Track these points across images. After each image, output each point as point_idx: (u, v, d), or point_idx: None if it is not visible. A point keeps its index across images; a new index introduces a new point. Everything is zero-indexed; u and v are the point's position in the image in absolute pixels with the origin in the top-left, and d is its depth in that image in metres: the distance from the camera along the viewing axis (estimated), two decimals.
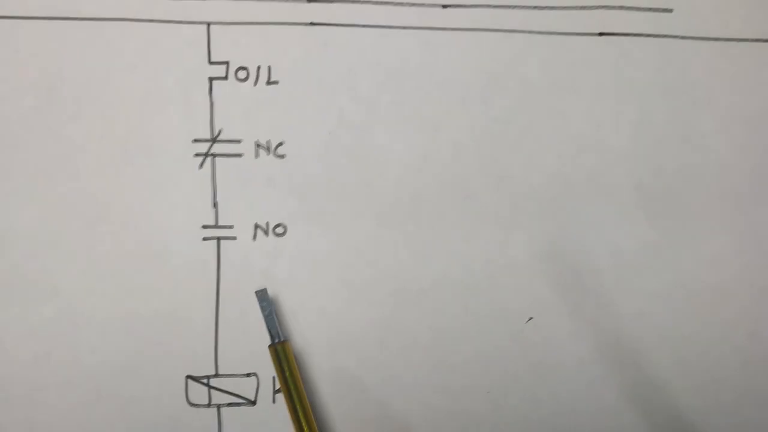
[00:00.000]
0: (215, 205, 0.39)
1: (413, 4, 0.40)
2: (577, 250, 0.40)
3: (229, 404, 0.39)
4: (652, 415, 0.40)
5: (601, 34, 0.41)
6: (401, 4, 0.40)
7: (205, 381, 0.39)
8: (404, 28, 0.40)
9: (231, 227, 0.39)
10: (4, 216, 0.38)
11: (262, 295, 0.38)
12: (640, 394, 0.40)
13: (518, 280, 0.40)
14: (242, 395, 0.39)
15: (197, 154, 0.39)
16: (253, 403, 0.39)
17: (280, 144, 0.39)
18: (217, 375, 0.39)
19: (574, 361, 0.40)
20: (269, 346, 0.38)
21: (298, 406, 0.37)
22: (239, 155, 0.39)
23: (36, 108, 0.38)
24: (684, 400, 0.40)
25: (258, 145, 0.39)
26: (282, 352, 0.38)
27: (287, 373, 0.38)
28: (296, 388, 0.38)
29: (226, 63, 0.39)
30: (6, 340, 0.38)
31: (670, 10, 0.41)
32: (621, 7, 0.41)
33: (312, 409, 0.38)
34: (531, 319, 0.40)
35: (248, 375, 0.39)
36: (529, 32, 0.40)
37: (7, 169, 0.38)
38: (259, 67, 0.40)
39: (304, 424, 0.37)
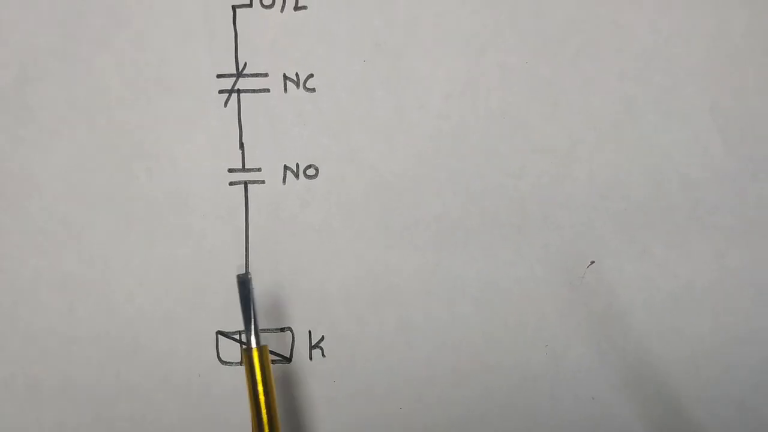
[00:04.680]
0: (242, 146, 0.36)
1: None
2: (644, 182, 0.36)
3: None
4: (731, 365, 0.36)
5: None
6: None
7: (236, 337, 0.36)
8: None
9: (259, 170, 0.36)
10: (29, 163, 0.36)
11: (243, 280, 0.31)
12: (718, 341, 0.36)
13: (578, 217, 0.36)
14: (276, 352, 0.36)
15: (221, 91, 0.36)
16: (289, 360, 0.36)
17: (310, 76, 0.36)
18: None
19: (642, 309, 0.36)
20: (244, 351, 0.31)
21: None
22: (266, 90, 0.36)
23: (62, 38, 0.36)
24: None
25: (286, 79, 0.36)
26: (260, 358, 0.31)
27: (261, 387, 0.30)
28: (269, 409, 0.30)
29: None
30: (37, 292, 0.36)
31: None
32: None
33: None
34: (593, 263, 0.36)
35: (282, 330, 0.36)
36: None
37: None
38: None
39: None
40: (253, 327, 0.30)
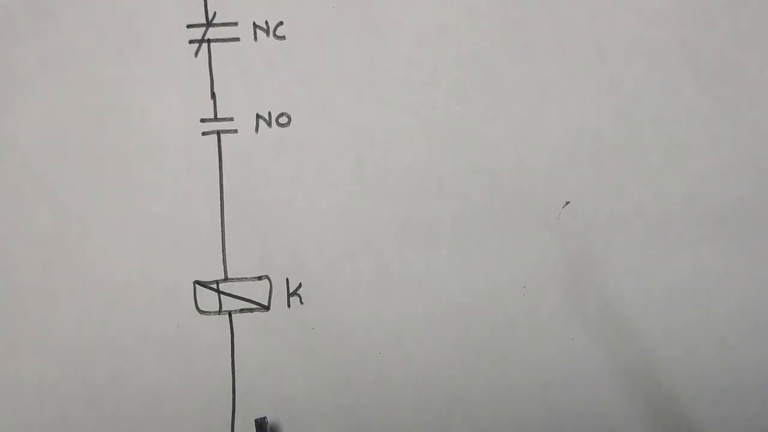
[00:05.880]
0: (213, 96, 0.36)
1: None
2: (617, 123, 0.36)
3: (241, 310, 0.36)
4: (711, 303, 0.36)
5: None
6: None
7: (213, 286, 0.37)
8: None
9: (231, 119, 0.36)
10: (1, 119, 0.36)
11: (261, 425, 0.33)
12: (697, 279, 0.36)
13: (552, 160, 0.36)
14: (254, 300, 0.37)
15: (192, 41, 0.36)
16: (267, 308, 0.37)
17: (280, 24, 0.36)
18: (226, 279, 0.36)
19: (618, 249, 0.36)
20: None
21: None
22: (236, 39, 0.36)
23: None
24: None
25: (256, 27, 0.36)
26: None
27: None
28: None
29: None
30: (13, 249, 0.36)
31: None
32: None
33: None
34: (568, 203, 0.36)
35: (260, 278, 0.37)
36: None
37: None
38: None
39: None
40: None
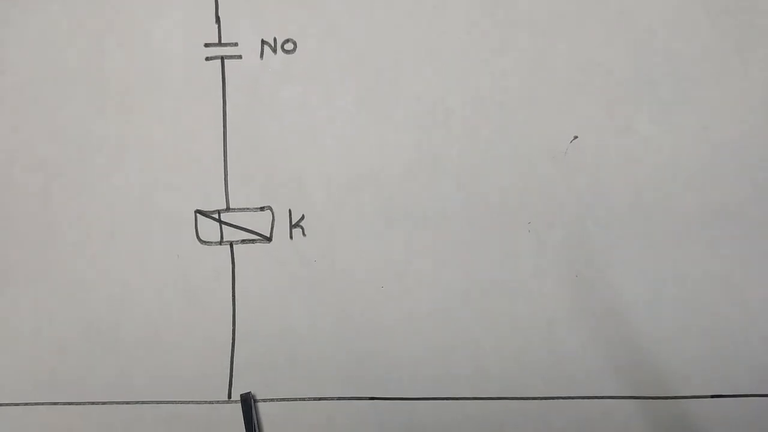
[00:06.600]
0: (218, 20, 0.35)
1: None
2: (626, 56, 0.35)
3: (243, 241, 0.36)
4: (714, 238, 0.35)
5: None
6: None
7: (215, 216, 0.36)
8: None
9: (235, 45, 0.35)
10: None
11: (246, 399, 0.35)
12: (705, 213, 0.35)
13: (560, 93, 0.35)
14: (256, 231, 0.36)
15: None
16: (269, 239, 0.36)
17: None
18: (228, 209, 0.36)
19: (625, 184, 0.35)
20: None
21: None
22: None
23: None
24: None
25: None
26: None
27: None
28: None
29: None
30: (11, 174, 0.36)
31: None
32: None
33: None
34: (576, 138, 0.36)
35: (262, 209, 0.36)
36: None
37: None
38: None
39: None
40: None
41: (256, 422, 0.35)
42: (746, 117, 0.35)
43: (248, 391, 0.35)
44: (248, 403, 0.34)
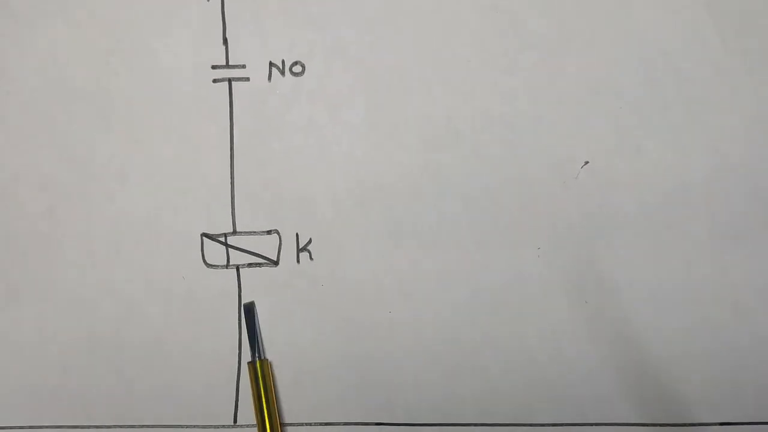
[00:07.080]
0: (225, 41, 0.35)
1: None
2: (638, 78, 0.34)
3: (249, 264, 0.36)
4: (726, 264, 0.35)
5: None
6: None
7: (222, 239, 0.36)
8: None
9: (243, 67, 0.35)
10: (6, 58, 0.35)
11: (249, 308, 0.35)
12: (715, 237, 0.35)
13: (571, 115, 0.35)
14: (263, 254, 0.36)
15: None
16: (276, 263, 0.36)
17: None
18: (235, 233, 0.35)
19: (636, 209, 0.35)
20: (249, 363, 0.35)
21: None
22: None
23: None
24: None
25: None
26: (261, 370, 0.34)
27: (263, 393, 0.34)
28: (269, 411, 0.34)
29: None
30: (16, 193, 0.35)
31: None
32: None
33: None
34: (587, 163, 0.35)
35: (269, 232, 0.36)
36: None
37: None
38: None
39: None
40: (261, 342, 0.35)
41: (258, 331, 0.35)
42: (758, 139, 0.35)
43: (251, 300, 0.35)
44: (251, 312, 0.35)
